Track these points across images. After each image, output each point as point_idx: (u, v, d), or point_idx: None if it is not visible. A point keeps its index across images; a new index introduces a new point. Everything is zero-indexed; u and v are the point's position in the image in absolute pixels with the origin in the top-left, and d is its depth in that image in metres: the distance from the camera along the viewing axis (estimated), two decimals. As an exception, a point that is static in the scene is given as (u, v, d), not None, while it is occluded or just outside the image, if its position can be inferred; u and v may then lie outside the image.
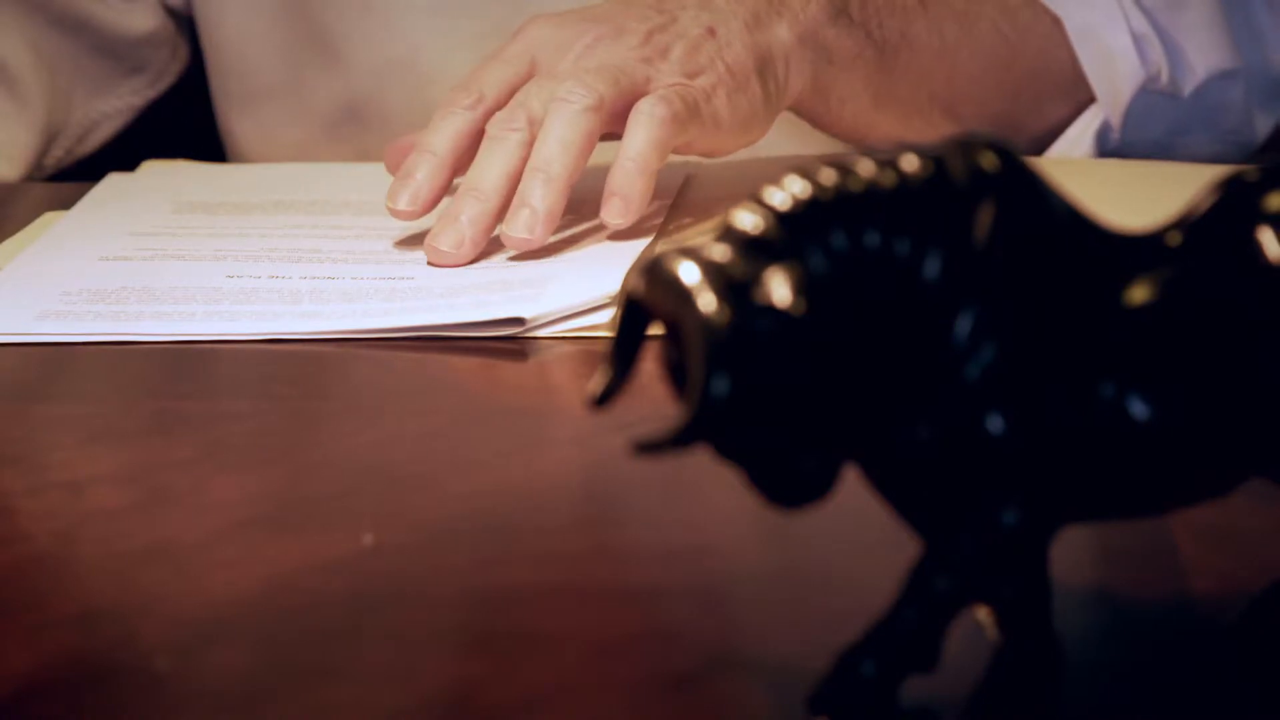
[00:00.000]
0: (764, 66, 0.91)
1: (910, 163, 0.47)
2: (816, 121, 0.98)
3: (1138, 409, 0.46)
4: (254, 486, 0.64)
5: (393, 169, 0.92)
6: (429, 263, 0.86)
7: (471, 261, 0.86)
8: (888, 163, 0.47)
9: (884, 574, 0.48)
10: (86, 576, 0.58)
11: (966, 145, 0.47)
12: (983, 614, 0.50)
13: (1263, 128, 1.06)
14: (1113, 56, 1.01)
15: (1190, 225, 0.48)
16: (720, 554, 0.58)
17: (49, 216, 0.95)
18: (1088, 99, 1.02)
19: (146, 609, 0.55)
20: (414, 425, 0.70)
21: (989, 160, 0.47)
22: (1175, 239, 0.48)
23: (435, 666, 0.51)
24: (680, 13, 0.91)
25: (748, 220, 0.46)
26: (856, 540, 0.56)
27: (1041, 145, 1.03)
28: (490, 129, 0.88)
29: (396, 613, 0.54)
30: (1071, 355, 0.46)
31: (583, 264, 0.84)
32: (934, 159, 0.47)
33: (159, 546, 0.59)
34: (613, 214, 0.86)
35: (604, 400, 0.46)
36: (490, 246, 0.88)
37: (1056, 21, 1.02)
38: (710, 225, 0.48)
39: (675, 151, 0.90)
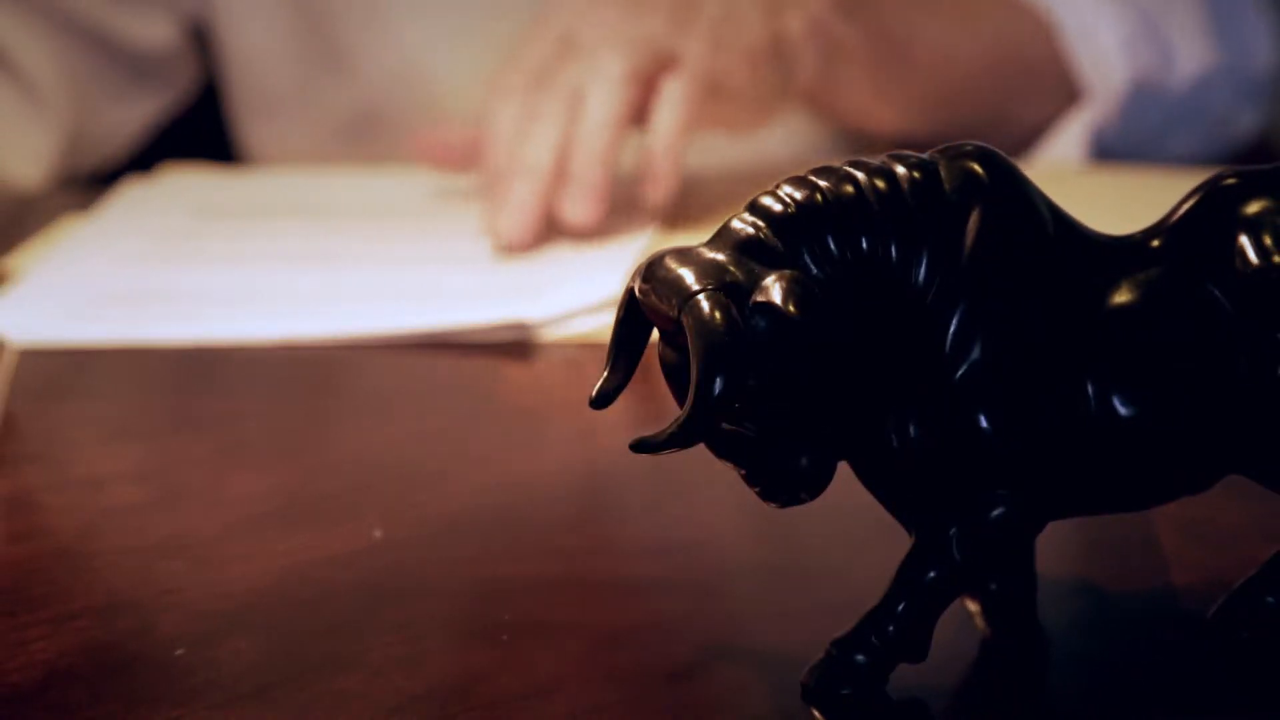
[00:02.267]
0: (778, 52, 0.93)
1: (901, 170, 0.48)
2: (820, 109, 1.00)
3: (1120, 408, 0.47)
4: (267, 483, 0.65)
5: (426, 159, 0.95)
6: (495, 248, 0.88)
7: (534, 244, 0.88)
8: (880, 170, 0.48)
9: (875, 567, 0.49)
10: (106, 569, 0.59)
11: (955, 153, 0.48)
12: (971, 606, 0.51)
13: (1244, 123, 1.08)
14: (1105, 55, 1.02)
15: (1172, 229, 0.49)
16: (717, 548, 0.59)
17: (69, 222, 0.96)
18: (1080, 95, 1.04)
19: (164, 601, 0.56)
20: (422, 424, 0.71)
21: (977, 167, 0.48)
22: (1157, 243, 0.49)
23: (442, 656, 0.52)
24: None
25: (745, 225, 0.47)
26: (848, 534, 0.57)
27: (1034, 138, 1.04)
28: (534, 109, 0.90)
29: (404, 604, 0.55)
30: (1057, 356, 0.47)
31: (585, 267, 0.85)
32: (924, 166, 0.48)
33: (176, 541, 0.60)
34: (648, 196, 0.89)
35: (604, 400, 0.47)
36: (492, 251, 0.89)
37: (1051, 20, 1.03)
38: (709, 230, 0.48)
39: (698, 127, 0.92)
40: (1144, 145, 1.04)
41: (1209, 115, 1.06)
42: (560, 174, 0.88)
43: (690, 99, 0.89)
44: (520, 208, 0.87)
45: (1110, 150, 1.04)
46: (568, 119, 0.88)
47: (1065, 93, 1.03)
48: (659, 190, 0.89)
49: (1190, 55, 1.04)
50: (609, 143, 0.88)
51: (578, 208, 0.87)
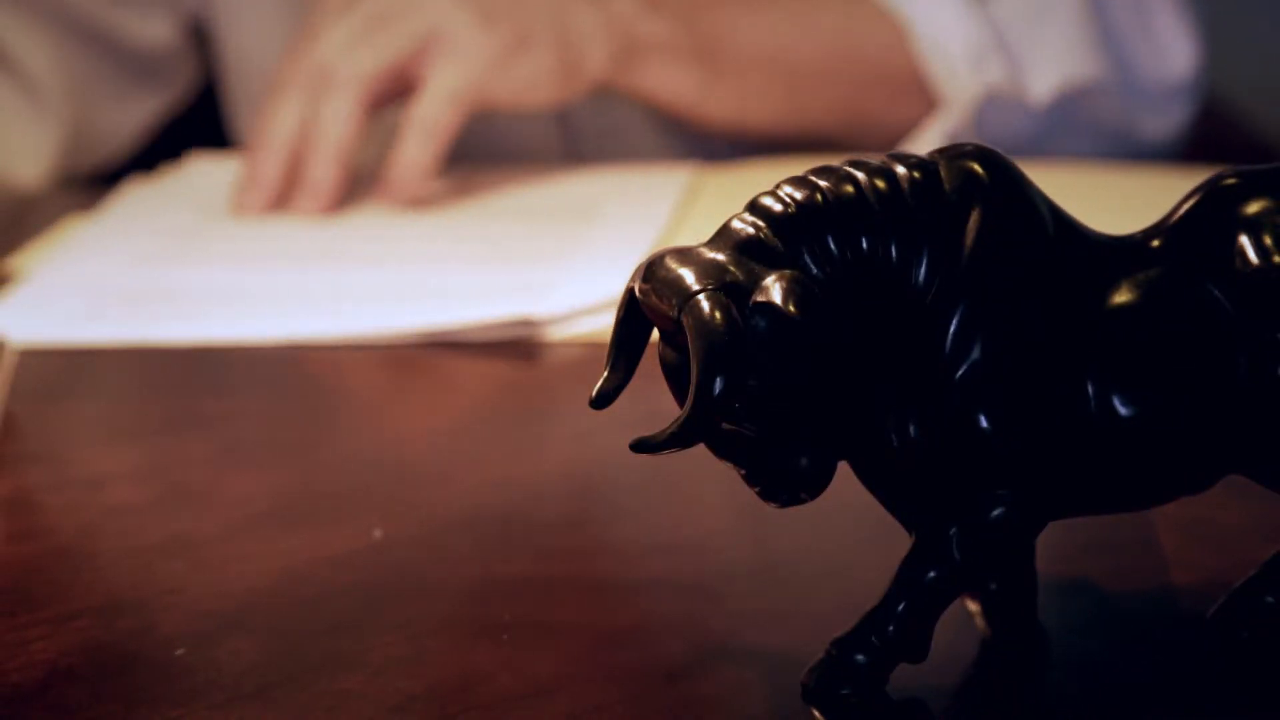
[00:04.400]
0: (563, 38, 0.96)
1: (901, 170, 0.48)
2: (648, 102, 1.02)
3: (1120, 408, 0.47)
4: (268, 483, 0.65)
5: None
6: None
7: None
8: (880, 170, 0.48)
9: (875, 567, 0.49)
10: (107, 569, 0.59)
11: (955, 153, 0.48)
12: (971, 606, 0.51)
13: (1153, 130, 1.08)
14: (956, 62, 1.03)
15: (1172, 229, 0.49)
16: (717, 548, 0.59)
17: (72, 222, 0.96)
18: (940, 100, 1.04)
19: (164, 600, 0.56)
20: (423, 424, 0.72)
21: (977, 167, 0.48)
22: (1157, 243, 0.49)
23: (442, 655, 0.52)
24: None
25: (745, 225, 0.47)
26: (848, 534, 0.57)
27: (896, 142, 1.04)
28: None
29: (405, 603, 0.55)
30: (1057, 356, 0.47)
31: (590, 266, 0.86)
32: (924, 166, 0.48)
33: (177, 540, 0.60)
34: (392, 183, 0.95)
35: (604, 400, 0.47)
36: (498, 250, 0.89)
37: (902, 25, 1.04)
38: (710, 230, 0.48)
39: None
40: (1017, 151, 1.05)
41: (1095, 124, 1.06)
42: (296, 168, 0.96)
43: (449, 112, 0.95)
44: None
45: None
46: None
47: (926, 99, 1.04)
48: (400, 179, 0.94)
49: (1053, 67, 1.04)
50: (337, 145, 0.95)
51: (307, 205, 0.95)
